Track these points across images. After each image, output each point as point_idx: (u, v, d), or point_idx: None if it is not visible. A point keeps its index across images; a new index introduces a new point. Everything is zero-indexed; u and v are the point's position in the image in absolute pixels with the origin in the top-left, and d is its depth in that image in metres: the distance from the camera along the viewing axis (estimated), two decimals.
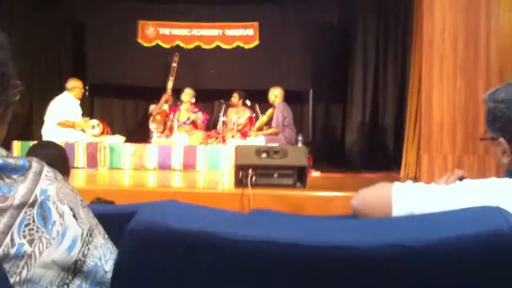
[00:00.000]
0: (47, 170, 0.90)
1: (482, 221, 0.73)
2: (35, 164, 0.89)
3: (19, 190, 0.84)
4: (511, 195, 1.21)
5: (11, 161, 0.86)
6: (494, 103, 1.38)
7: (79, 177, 5.85)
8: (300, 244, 0.70)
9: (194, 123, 7.78)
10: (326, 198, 4.31)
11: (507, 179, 1.32)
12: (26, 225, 0.83)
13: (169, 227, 0.72)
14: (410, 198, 1.30)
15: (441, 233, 0.71)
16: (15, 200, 0.83)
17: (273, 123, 7.29)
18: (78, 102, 7.18)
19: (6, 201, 0.83)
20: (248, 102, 7.86)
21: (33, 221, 0.84)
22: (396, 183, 1.37)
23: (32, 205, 0.84)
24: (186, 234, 0.72)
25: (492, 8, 5.19)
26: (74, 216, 0.88)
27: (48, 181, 0.88)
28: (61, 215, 0.86)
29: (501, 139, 1.37)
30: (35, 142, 3.80)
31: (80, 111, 7.19)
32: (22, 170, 0.87)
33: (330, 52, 8.51)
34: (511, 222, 0.70)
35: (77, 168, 6.46)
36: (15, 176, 0.86)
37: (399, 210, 1.27)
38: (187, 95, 7.73)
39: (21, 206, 0.84)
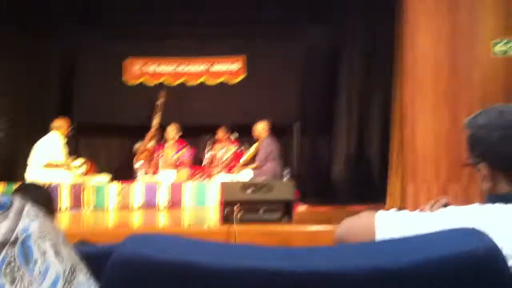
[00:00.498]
0: (28, 208, 0.89)
1: (458, 242, 0.74)
2: (17, 202, 0.89)
3: (0, 229, 0.84)
4: (492, 220, 1.22)
5: None
6: (474, 128, 1.40)
7: (63, 218, 5.77)
8: (284, 271, 0.71)
9: (179, 160, 7.77)
10: (314, 232, 4.30)
11: (489, 205, 1.33)
12: (8, 264, 0.82)
13: (151, 258, 0.72)
14: (393, 225, 1.31)
15: (416, 256, 0.72)
16: None
17: (257, 157, 7.30)
18: (64, 141, 7.14)
19: None
20: (234, 136, 7.88)
21: (15, 260, 0.83)
22: (379, 212, 1.38)
23: (13, 243, 0.84)
24: (168, 265, 0.72)
25: (474, 38, 5.30)
26: (56, 254, 0.87)
27: (29, 219, 0.88)
28: (43, 254, 0.86)
29: (482, 164, 1.39)
30: (19, 184, 3.76)
31: (65, 151, 7.15)
32: (3, 209, 0.86)
33: (315, 85, 8.63)
34: (486, 243, 0.71)
35: (61, 210, 6.38)
36: None
37: (382, 237, 1.28)
38: (172, 131, 7.75)
39: (2, 245, 0.83)
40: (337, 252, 0.81)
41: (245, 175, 7.10)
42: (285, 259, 0.75)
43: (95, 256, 1.13)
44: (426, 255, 0.71)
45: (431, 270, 0.70)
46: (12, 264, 0.83)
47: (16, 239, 0.84)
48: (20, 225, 0.86)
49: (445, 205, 1.47)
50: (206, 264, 0.72)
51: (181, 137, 7.97)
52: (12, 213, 0.87)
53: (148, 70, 8.62)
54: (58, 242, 0.90)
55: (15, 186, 3.51)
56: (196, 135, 8.69)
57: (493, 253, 0.71)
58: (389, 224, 1.31)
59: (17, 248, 0.84)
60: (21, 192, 2.47)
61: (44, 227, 0.89)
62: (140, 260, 0.72)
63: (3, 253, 0.83)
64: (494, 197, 1.37)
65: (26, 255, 0.84)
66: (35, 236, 0.86)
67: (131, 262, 0.72)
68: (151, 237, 0.80)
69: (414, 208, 1.51)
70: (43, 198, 2.43)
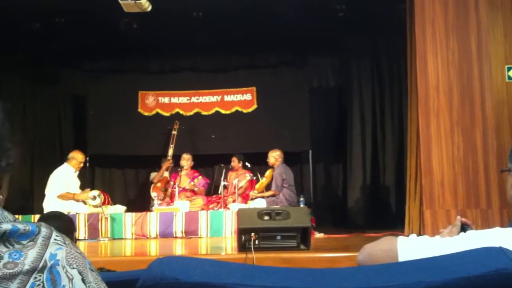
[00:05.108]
0: (56, 235, 0.91)
1: (486, 261, 0.73)
2: (44, 229, 0.90)
3: (29, 256, 0.85)
4: None
5: (20, 226, 0.87)
6: None
7: (80, 248, 5.76)
8: None
9: (194, 189, 7.77)
10: (332, 259, 4.24)
11: (510, 228, 1.32)
12: None
13: (179, 280, 0.73)
14: (416, 249, 1.30)
15: (445, 275, 0.71)
16: (25, 265, 0.84)
17: (272, 185, 7.27)
18: (77, 173, 7.13)
19: (16, 267, 0.83)
20: (248, 165, 7.88)
21: (43, 286, 0.84)
22: (401, 237, 1.37)
23: (41, 270, 0.85)
24: (196, 287, 0.73)
25: (484, 64, 5.32)
26: (83, 280, 0.88)
27: (57, 246, 0.89)
28: (71, 279, 0.86)
29: None
30: (40, 214, 3.78)
31: (78, 182, 7.15)
32: (31, 235, 0.88)
33: (327, 112, 8.66)
34: None
35: (78, 240, 6.39)
36: (24, 242, 0.86)
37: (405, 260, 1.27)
38: (186, 160, 7.75)
39: (31, 271, 0.84)
40: (362, 272, 0.80)
41: (260, 203, 7.07)
42: (312, 279, 0.75)
43: (117, 282, 1.14)
44: (455, 275, 0.71)
45: None
46: None
47: (44, 265, 0.85)
48: (48, 252, 0.87)
49: (465, 229, 1.47)
50: (232, 286, 0.72)
51: (195, 166, 7.98)
52: (39, 240, 0.88)
53: (161, 102, 8.70)
54: (85, 268, 0.90)
55: (31, 217, 3.54)
56: (211, 164, 8.72)
57: None
58: (412, 248, 1.30)
59: (45, 275, 0.85)
60: (42, 221, 2.48)
61: (71, 253, 0.90)
62: (168, 283, 0.72)
63: (32, 279, 0.84)
64: None
65: (54, 282, 0.85)
66: (63, 263, 0.87)
67: (159, 285, 0.73)
68: (178, 259, 0.81)
69: (433, 234, 1.50)
70: (63, 228, 2.44)
